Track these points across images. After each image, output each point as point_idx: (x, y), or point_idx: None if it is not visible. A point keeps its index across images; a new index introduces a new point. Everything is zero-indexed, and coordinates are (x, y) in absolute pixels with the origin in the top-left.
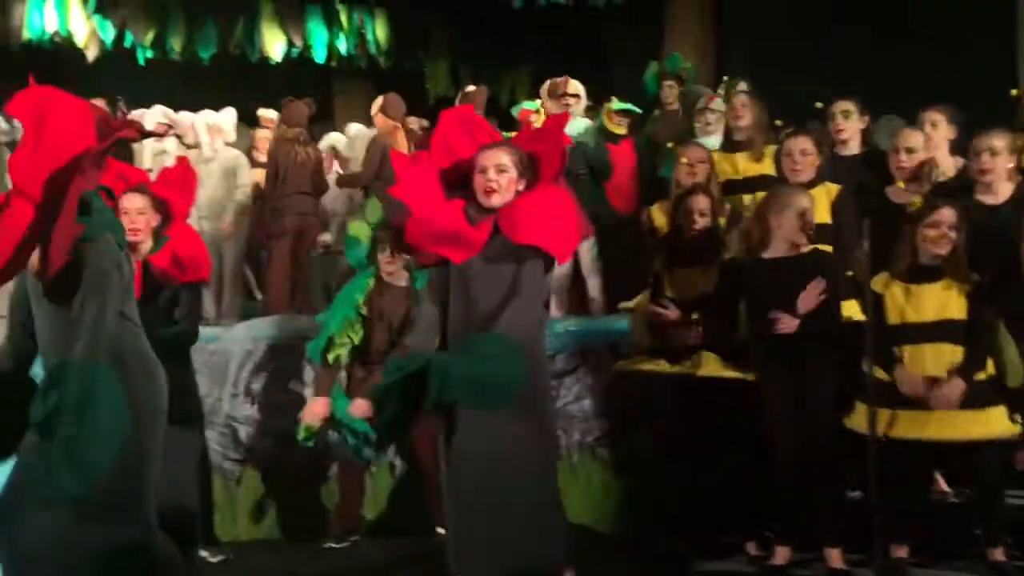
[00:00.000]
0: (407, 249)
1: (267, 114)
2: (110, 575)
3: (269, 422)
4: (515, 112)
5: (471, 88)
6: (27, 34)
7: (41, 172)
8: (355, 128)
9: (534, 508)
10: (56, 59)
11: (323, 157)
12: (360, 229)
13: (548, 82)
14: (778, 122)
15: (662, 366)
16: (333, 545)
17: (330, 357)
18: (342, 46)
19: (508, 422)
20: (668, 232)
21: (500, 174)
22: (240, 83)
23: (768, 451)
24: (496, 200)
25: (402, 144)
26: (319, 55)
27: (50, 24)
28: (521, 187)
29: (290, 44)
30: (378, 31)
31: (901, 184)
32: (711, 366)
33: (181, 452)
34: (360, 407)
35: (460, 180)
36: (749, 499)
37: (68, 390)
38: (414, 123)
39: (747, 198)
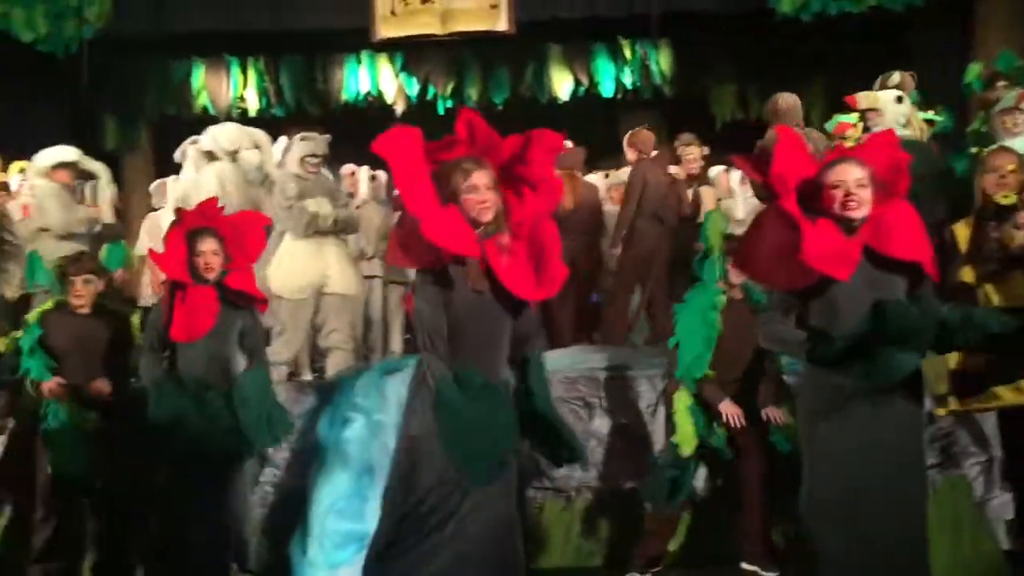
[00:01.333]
0: (744, 266)
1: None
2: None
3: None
4: (830, 127)
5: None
6: (345, 96)
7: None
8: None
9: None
10: (369, 116)
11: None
12: (714, 240)
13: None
14: None
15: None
16: None
17: (702, 375)
18: (627, 79)
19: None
20: (982, 243)
21: (860, 188)
22: (529, 123)
23: None
24: (859, 214)
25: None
26: (606, 90)
27: (364, 86)
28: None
29: (577, 83)
30: (661, 61)
31: None
32: None
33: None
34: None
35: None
36: None
37: None
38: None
39: None
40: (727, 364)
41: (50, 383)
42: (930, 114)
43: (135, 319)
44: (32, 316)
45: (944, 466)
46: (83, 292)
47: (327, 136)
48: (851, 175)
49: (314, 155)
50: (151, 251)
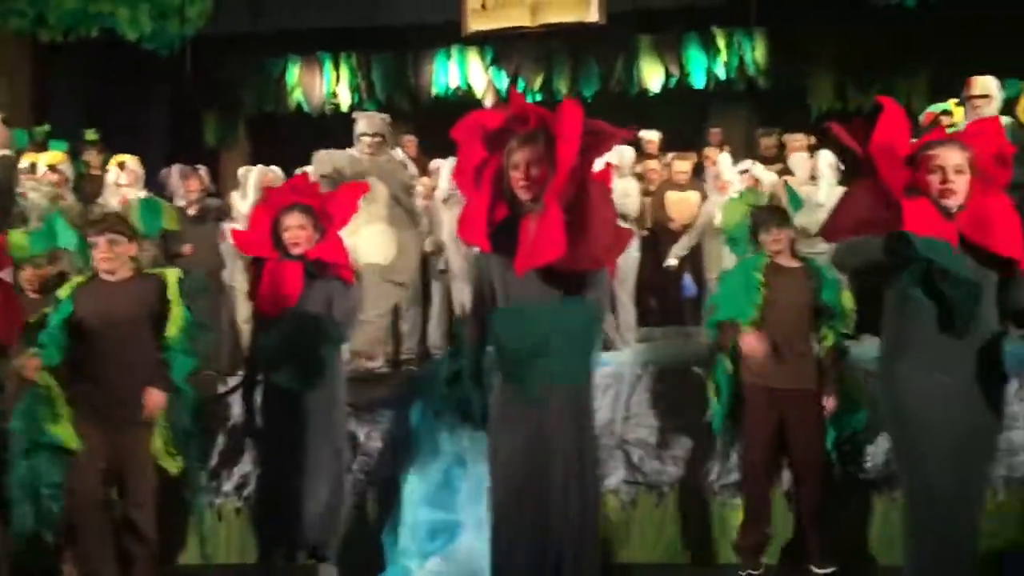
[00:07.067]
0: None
1: (649, 135)
2: None
3: (659, 446)
4: (921, 117)
5: None
6: (435, 91)
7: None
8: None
9: None
10: (459, 111)
11: None
12: (736, 211)
13: None
14: None
15: None
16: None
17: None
18: (720, 71)
19: None
20: None
21: (958, 175)
22: (619, 117)
23: None
24: (954, 203)
25: None
26: (697, 81)
27: (454, 80)
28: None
29: (668, 74)
30: (756, 51)
31: None
32: None
33: None
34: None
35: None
36: None
37: None
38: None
39: None
40: (778, 332)
41: None
42: None
43: None
44: None
45: None
46: None
47: (382, 115)
48: (950, 159)
49: (365, 133)
50: (233, 230)
